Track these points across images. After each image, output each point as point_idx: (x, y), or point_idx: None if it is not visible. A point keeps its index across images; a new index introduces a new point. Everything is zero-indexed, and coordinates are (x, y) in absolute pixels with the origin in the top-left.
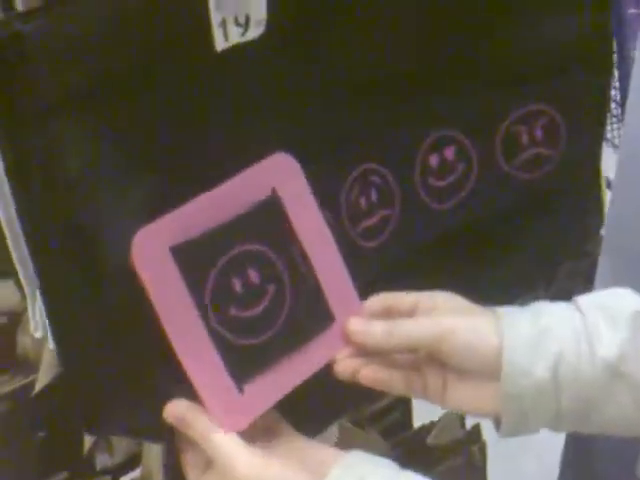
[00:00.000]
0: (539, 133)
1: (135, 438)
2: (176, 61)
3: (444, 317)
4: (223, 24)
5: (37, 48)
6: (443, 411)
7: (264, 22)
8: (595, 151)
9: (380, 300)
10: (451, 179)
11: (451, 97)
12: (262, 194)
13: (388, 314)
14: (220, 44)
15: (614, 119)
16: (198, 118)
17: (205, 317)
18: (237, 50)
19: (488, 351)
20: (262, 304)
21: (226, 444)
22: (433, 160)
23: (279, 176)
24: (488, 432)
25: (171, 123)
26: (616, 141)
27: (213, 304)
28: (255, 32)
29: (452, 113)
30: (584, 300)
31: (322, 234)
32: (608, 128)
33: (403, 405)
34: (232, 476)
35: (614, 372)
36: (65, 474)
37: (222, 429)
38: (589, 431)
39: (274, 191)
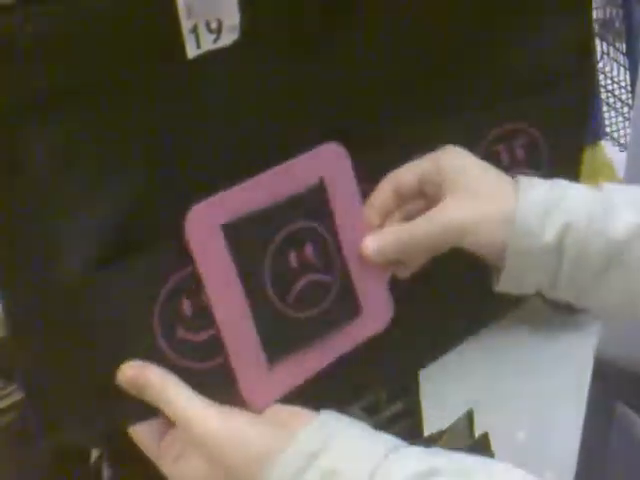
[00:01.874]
0: (520, 152)
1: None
2: (146, 69)
3: (453, 213)
4: (194, 30)
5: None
6: (452, 420)
7: (237, 27)
8: (575, 169)
9: (387, 190)
10: None
11: (432, 118)
12: (311, 181)
13: (398, 199)
14: (192, 51)
15: (621, 119)
16: (171, 127)
17: (249, 295)
18: (210, 57)
19: (498, 243)
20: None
21: (183, 400)
22: None
23: (328, 166)
24: (496, 443)
25: (143, 131)
26: (622, 140)
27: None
28: (228, 38)
29: (434, 135)
30: (609, 184)
31: (360, 227)
32: (614, 128)
33: (413, 413)
34: (190, 435)
35: (617, 253)
36: None
37: (248, 402)
38: (579, 305)
39: (321, 180)
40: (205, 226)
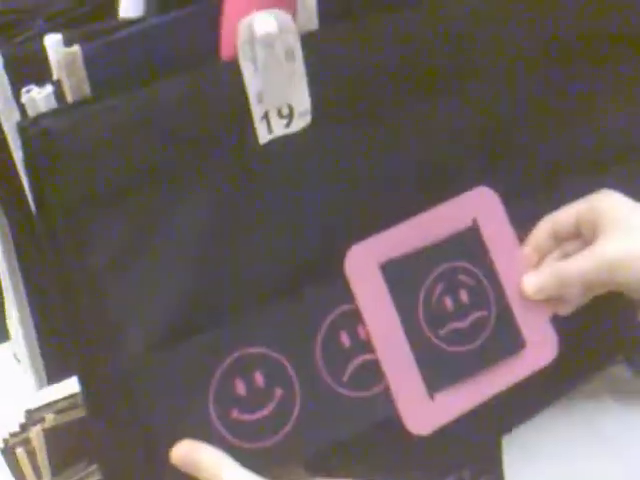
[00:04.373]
0: None
1: None
2: (218, 156)
3: (606, 249)
4: (266, 117)
5: (67, 145)
6: (535, 477)
7: (309, 112)
8: None
9: (545, 231)
10: None
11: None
12: (463, 223)
13: (555, 240)
14: (264, 137)
15: None
16: (242, 214)
17: (409, 330)
18: (282, 141)
19: None
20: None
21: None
22: None
23: (480, 208)
24: None
25: (211, 217)
26: None
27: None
28: (300, 123)
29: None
30: None
31: (518, 265)
32: None
33: (494, 470)
34: None
35: None
36: None
37: (410, 430)
38: None
39: (474, 221)
40: (364, 264)
